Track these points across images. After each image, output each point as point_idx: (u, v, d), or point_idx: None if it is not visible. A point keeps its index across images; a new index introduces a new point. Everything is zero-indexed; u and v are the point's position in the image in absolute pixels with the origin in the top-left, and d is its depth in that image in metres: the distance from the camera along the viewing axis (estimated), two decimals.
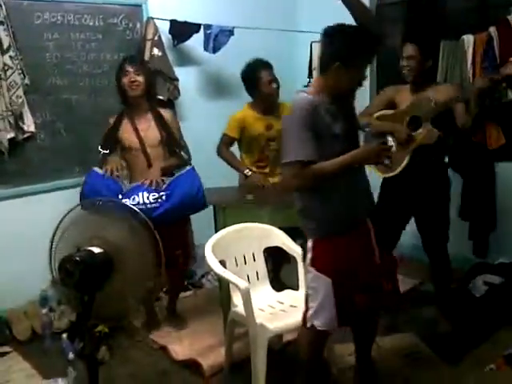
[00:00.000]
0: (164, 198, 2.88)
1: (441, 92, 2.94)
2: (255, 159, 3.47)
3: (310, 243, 2.17)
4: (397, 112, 3.07)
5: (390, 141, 3.07)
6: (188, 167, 3.05)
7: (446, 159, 3.76)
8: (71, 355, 2.88)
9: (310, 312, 2.20)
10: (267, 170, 3.48)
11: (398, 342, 2.96)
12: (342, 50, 2.00)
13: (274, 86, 3.31)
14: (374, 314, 2.42)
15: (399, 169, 3.03)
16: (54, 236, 2.14)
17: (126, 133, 3.00)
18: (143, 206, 2.77)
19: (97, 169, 2.95)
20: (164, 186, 2.93)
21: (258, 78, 3.28)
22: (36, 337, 3.24)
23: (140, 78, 2.94)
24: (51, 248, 2.13)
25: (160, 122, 3.04)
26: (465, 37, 3.50)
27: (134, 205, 2.69)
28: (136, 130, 2.98)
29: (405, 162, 3.01)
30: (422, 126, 2.94)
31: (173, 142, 3.08)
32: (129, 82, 2.92)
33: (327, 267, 2.13)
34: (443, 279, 3.18)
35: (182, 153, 3.13)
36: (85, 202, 2.52)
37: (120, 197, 2.82)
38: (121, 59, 3.12)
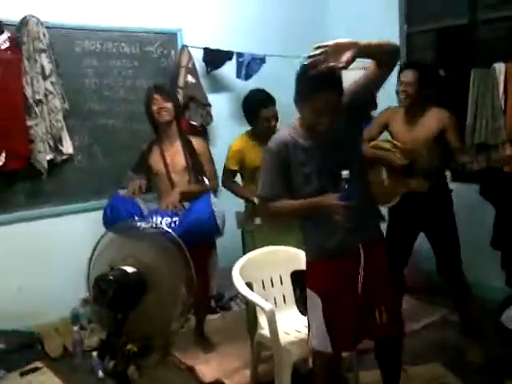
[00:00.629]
0: (177, 223, 2.90)
1: (434, 119, 2.98)
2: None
3: (305, 264, 2.28)
4: (391, 147, 3.09)
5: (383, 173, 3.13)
6: (205, 195, 3.03)
7: (477, 187, 3.77)
8: (101, 373, 2.93)
9: (310, 332, 2.25)
10: None
11: (427, 372, 2.91)
12: (296, 87, 2.06)
13: (273, 123, 3.19)
14: (394, 346, 2.37)
15: (393, 203, 3.07)
16: (92, 256, 2.18)
17: (155, 159, 3.10)
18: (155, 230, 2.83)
19: (120, 191, 3.05)
20: (172, 212, 2.96)
21: (257, 114, 3.17)
22: (67, 354, 3.31)
23: (168, 105, 3.02)
24: (89, 268, 2.17)
25: (188, 148, 3.11)
26: (496, 65, 3.49)
27: (146, 228, 2.74)
28: (163, 156, 3.08)
29: (397, 200, 3.06)
30: (415, 175, 2.99)
31: (198, 169, 3.13)
32: (158, 108, 3.01)
33: (317, 287, 2.19)
34: (464, 304, 3.17)
35: (206, 180, 3.16)
36: (120, 224, 2.58)
37: (136, 219, 2.85)
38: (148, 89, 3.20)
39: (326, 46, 1.88)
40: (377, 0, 4.27)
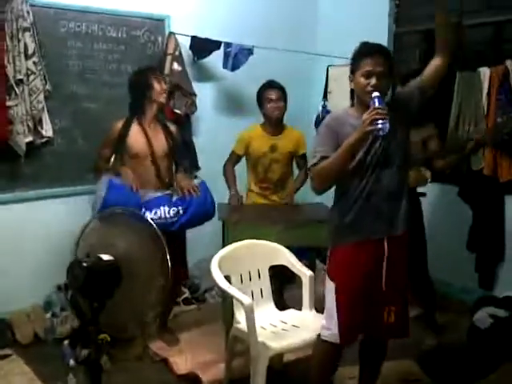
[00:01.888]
0: (181, 212, 2.94)
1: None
2: (259, 179, 3.51)
3: (328, 252, 2.29)
4: None
5: None
6: (199, 181, 3.11)
7: (456, 189, 3.81)
8: (72, 362, 2.87)
9: (323, 321, 2.27)
10: (269, 193, 3.51)
11: (399, 368, 2.93)
12: (351, 61, 2.21)
13: (274, 105, 3.37)
14: (381, 342, 2.39)
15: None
16: (78, 242, 2.16)
17: (136, 139, 2.97)
18: (164, 221, 2.86)
19: (115, 179, 2.92)
20: (176, 200, 2.97)
21: (261, 96, 3.42)
22: (38, 341, 3.25)
23: (166, 92, 3.05)
24: (75, 254, 2.16)
25: (168, 133, 3.08)
26: (481, 69, 3.53)
27: (155, 219, 2.79)
28: (147, 138, 2.98)
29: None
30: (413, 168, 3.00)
31: (180, 156, 3.14)
32: (161, 89, 2.99)
33: (334, 273, 2.24)
34: (428, 302, 3.29)
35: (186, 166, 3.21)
36: (104, 212, 2.53)
37: (143, 210, 2.84)
38: (142, 68, 3.16)
39: None
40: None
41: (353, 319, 2.19)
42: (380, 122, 1.96)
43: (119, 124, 3.02)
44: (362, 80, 2.10)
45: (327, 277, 2.27)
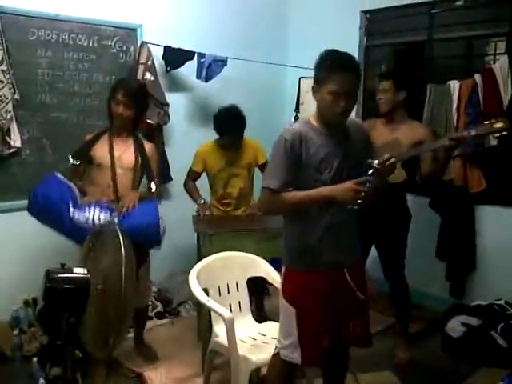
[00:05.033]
0: (115, 221, 2.73)
1: (414, 131, 3.02)
2: (218, 195, 3.49)
3: (283, 270, 2.21)
4: None
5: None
6: (150, 201, 2.90)
7: (428, 200, 3.87)
8: (42, 380, 2.77)
9: (279, 339, 2.21)
10: (230, 208, 3.49)
11: (377, 379, 2.95)
12: (315, 70, 2.05)
13: (239, 141, 3.39)
14: (342, 354, 2.34)
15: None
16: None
17: (100, 149, 2.92)
18: (90, 224, 2.67)
19: (58, 174, 2.87)
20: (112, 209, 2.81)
21: (225, 130, 3.35)
22: (4, 359, 3.11)
23: (129, 112, 2.89)
24: None
25: (139, 149, 2.98)
26: (451, 82, 3.61)
27: (81, 220, 2.68)
28: (111, 148, 2.92)
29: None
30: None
31: (147, 172, 3.00)
32: (117, 112, 2.88)
33: (293, 298, 2.14)
34: (403, 310, 3.32)
35: (153, 185, 3.00)
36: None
37: (71, 206, 2.72)
38: (115, 81, 3.10)
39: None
40: (338, 12, 4.32)
41: (318, 343, 2.12)
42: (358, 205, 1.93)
43: (89, 136, 2.98)
44: (330, 98, 1.96)
45: (282, 297, 2.17)
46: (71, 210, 2.72)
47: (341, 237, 2.11)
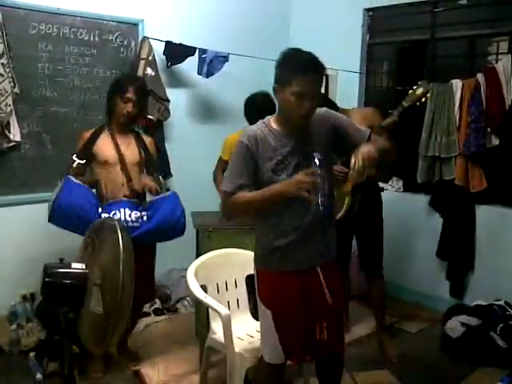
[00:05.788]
0: (145, 218, 2.81)
1: (359, 114, 3.02)
2: None
3: (255, 271, 2.18)
4: None
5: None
6: (170, 191, 2.99)
7: (428, 198, 3.86)
8: (39, 375, 2.76)
9: (261, 342, 2.18)
10: None
11: (374, 378, 2.94)
12: (277, 69, 2.00)
13: None
14: (336, 361, 2.27)
15: (343, 211, 2.94)
16: None
17: (104, 146, 2.88)
18: (124, 224, 2.65)
19: (72, 178, 2.80)
20: (146, 206, 2.86)
21: (261, 111, 3.24)
22: (2, 354, 3.11)
23: (136, 110, 2.88)
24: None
25: (141, 143, 2.98)
26: (453, 81, 3.60)
27: None
28: (116, 145, 2.89)
29: (347, 201, 2.94)
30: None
31: (152, 165, 3.01)
32: (125, 110, 2.83)
33: (267, 299, 2.11)
34: (380, 299, 3.30)
35: (160, 178, 3.05)
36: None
37: (100, 210, 2.74)
38: (116, 76, 3.05)
39: None
40: (341, 9, 4.30)
41: (298, 341, 2.09)
42: (320, 198, 1.85)
43: (88, 133, 2.93)
44: (293, 99, 1.89)
45: (259, 300, 2.14)
46: (99, 211, 2.72)
47: (311, 237, 2.04)
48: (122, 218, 2.74)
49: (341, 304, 2.23)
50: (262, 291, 2.14)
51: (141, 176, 2.95)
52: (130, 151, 2.93)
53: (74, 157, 2.89)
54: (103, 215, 2.71)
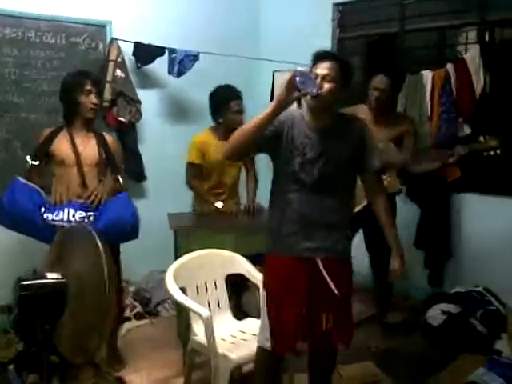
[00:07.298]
0: (91, 219, 2.68)
1: (398, 125, 3.11)
2: (211, 185, 3.36)
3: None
4: None
5: None
6: (122, 193, 2.85)
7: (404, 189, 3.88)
8: None
9: (259, 327, 2.24)
10: (223, 197, 3.38)
11: (359, 371, 2.94)
12: None
13: (238, 117, 3.22)
14: (328, 352, 2.30)
15: (360, 206, 3.01)
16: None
17: (61, 146, 2.79)
18: (66, 224, 2.59)
19: (21, 178, 2.73)
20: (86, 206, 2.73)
21: (227, 106, 3.22)
22: None
23: (100, 99, 2.84)
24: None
25: (102, 143, 2.88)
26: (424, 72, 3.63)
27: (55, 220, 2.61)
28: (73, 145, 2.79)
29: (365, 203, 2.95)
30: (388, 173, 3.03)
31: (112, 166, 2.91)
32: (90, 103, 2.76)
33: (265, 283, 2.21)
34: (384, 300, 3.36)
35: (120, 178, 2.93)
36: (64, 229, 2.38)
37: (43, 210, 2.65)
38: (66, 76, 2.89)
39: None
40: (310, 5, 4.30)
41: (287, 329, 2.11)
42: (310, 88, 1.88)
43: (47, 131, 2.84)
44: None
45: (262, 286, 2.23)
46: (42, 211, 2.64)
47: (314, 227, 2.11)
48: (65, 218, 2.64)
49: (349, 298, 2.24)
50: (264, 276, 2.23)
51: (99, 177, 2.86)
52: (89, 151, 2.83)
53: (28, 158, 2.81)
54: (45, 215, 2.63)
